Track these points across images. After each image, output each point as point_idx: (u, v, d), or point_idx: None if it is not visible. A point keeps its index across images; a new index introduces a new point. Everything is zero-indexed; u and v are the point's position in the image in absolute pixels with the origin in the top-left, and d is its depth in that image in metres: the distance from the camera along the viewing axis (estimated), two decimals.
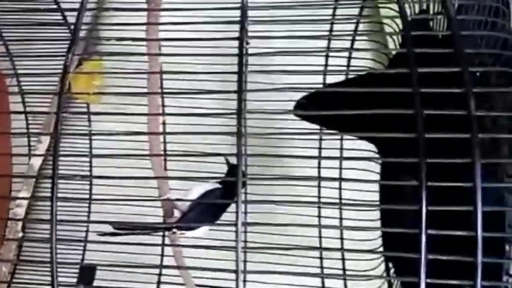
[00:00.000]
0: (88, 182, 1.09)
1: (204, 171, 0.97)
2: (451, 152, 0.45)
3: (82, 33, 1.06)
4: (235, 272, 0.46)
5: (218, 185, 0.79)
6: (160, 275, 1.05)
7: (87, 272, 0.96)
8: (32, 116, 1.17)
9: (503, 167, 0.52)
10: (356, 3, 0.89)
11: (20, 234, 0.91)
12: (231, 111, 0.50)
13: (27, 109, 1.15)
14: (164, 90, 0.99)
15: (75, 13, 0.54)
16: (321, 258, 0.95)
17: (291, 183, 0.87)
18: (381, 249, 0.80)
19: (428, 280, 0.43)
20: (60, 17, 0.94)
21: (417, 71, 0.47)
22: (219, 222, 0.79)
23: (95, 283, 0.94)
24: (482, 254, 0.43)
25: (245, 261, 0.89)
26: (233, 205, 0.47)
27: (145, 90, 0.77)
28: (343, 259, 0.94)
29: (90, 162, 1.12)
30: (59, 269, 0.50)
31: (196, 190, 0.80)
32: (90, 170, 1.10)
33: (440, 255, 0.44)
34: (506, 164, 0.51)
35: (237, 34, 0.52)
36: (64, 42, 0.56)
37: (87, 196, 1.07)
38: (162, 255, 1.04)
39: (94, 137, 1.15)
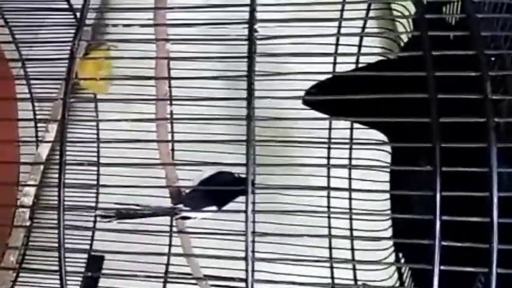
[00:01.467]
0: (95, 170, 1.09)
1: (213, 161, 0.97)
2: (467, 138, 0.44)
3: (88, 20, 1.06)
4: (245, 259, 0.46)
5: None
6: (167, 264, 1.05)
7: (95, 261, 0.96)
8: (39, 105, 1.17)
9: None
10: None
11: (28, 223, 0.91)
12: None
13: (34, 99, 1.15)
14: (172, 82, 0.99)
15: None
16: (330, 248, 0.94)
17: (301, 173, 0.86)
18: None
19: (442, 267, 0.42)
20: (65, 3, 0.94)
21: (432, 54, 0.46)
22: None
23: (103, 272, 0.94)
24: (498, 241, 0.42)
25: (253, 251, 0.88)
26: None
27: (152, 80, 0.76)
28: (352, 249, 0.93)
29: (98, 149, 1.11)
30: (66, 257, 0.49)
31: (207, 173, 0.79)
32: (97, 157, 1.10)
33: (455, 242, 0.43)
34: None
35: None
36: (70, 28, 0.56)
37: (94, 182, 1.07)
38: (170, 245, 1.04)
39: (100, 127, 1.14)
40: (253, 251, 0.87)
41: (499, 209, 0.42)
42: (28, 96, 1.15)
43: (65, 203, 0.49)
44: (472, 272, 0.44)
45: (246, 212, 0.46)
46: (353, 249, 0.93)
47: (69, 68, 0.51)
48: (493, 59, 0.53)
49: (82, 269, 0.96)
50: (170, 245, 1.03)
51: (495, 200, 0.42)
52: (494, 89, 0.49)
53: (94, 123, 1.14)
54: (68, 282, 0.51)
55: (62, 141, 0.50)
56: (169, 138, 0.93)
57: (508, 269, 0.45)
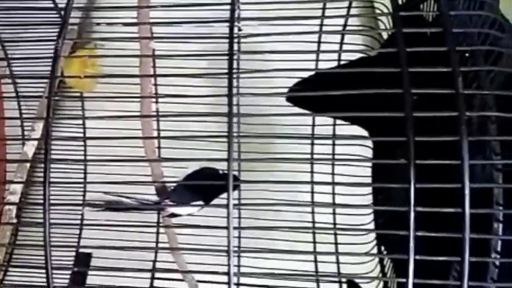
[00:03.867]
0: (82, 167, 1.10)
1: (199, 157, 0.98)
2: (442, 132, 0.45)
3: (73, 19, 1.07)
4: (227, 252, 0.47)
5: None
6: (155, 261, 1.06)
7: (82, 258, 0.97)
8: (26, 104, 1.17)
9: (491, 145, 0.52)
10: None
11: (14, 221, 0.91)
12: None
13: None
14: (158, 80, 1.00)
15: None
16: (314, 242, 0.96)
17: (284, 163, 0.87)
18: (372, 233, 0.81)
19: (417, 257, 0.44)
20: (50, 2, 0.94)
21: (406, 50, 0.47)
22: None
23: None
24: (470, 231, 0.44)
25: (239, 237, 0.89)
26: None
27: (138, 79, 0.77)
28: (336, 243, 0.95)
29: (84, 146, 1.12)
30: (53, 253, 0.50)
31: (192, 169, 0.80)
32: (84, 155, 1.11)
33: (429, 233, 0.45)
34: (494, 142, 0.52)
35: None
36: (55, 27, 0.56)
37: (81, 180, 1.08)
38: (157, 242, 1.05)
39: (88, 125, 1.15)
40: (238, 246, 0.88)
41: (471, 200, 0.44)
42: (14, 94, 1.15)
43: (52, 200, 0.50)
44: (446, 261, 0.46)
45: (227, 206, 0.47)
46: (336, 243, 0.95)
47: (53, 67, 0.52)
48: (467, 55, 0.55)
49: (70, 266, 0.97)
50: (157, 242, 1.04)
51: (467, 191, 0.44)
52: (468, 85, 0.51)
53: (81, 122, 1.14)
54: (56, 280, 0.52)
55: (47, 139, 0.51)
56: (155, 135, 0.94)
57: (480, 257, 0.47)
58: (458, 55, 0.46)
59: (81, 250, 1.04)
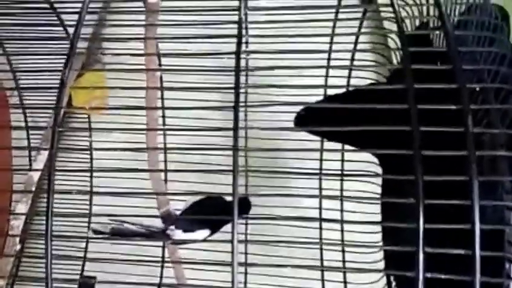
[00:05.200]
0: (88, 197, 1.09)
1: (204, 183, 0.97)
2: (451, 171, 0.44)
3: (81, 46, 1.08)
4: (231, 265, 0.46)
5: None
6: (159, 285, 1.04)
7: (86, 285, 0.95)
8: (34, 133, 1.17)
9: (502, 184, 0.51)
10: (357, 16, 0.88)
11: (18, 247, 0.90)
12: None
13: (30, 124, 1.15)
14: (165, 106, 1.00)
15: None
16: (321, 253, 0.94)
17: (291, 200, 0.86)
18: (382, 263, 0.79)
19: None
20: (62, 31, 0.95)
21: (414, 87, 0.47)
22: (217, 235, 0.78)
23: None
24: (481, 273, 0.42)
25: (245, 273, 0.88)
26: None
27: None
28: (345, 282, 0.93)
29: (91, 178, 1.11)
30: (57, 284, 0.49)
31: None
32: (90, 186, 1.10)
33: (439, 274, 0.43)
34: (505, 181, 0.51)
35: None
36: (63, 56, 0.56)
37: (86, 211, 1.07)
38: (162, 267, 1.03)
39: (94, 152, 1.15)
40: (244, 282, 0.87)
41: (482, 240, 0.43)
42: (23, 124, 1.15)
43: (57, 229, 0.49)
44: None
45: (232, 242, 0.46)
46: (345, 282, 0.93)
47: (58, 97, 0.52)
48: (477, 89, 0.54)
49: None
50: (161, 277, 1.03)
51: (477, 232, 0.42)
52: (478, 122, 0.50)
53: (89, 152, 1.14)
54: None
55: (50, 170, 0.50)
56: (162, 166, 0.94)
57: None
58: (468, 92, 0.46)
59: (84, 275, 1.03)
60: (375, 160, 0.81)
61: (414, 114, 0.45)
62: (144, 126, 0.74)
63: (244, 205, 0.77)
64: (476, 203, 0.42)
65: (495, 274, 0.48)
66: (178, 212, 0.81)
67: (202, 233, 0.78)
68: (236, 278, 0.46)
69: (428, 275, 0.42)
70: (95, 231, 0.81)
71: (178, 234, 0.80)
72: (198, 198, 0.79)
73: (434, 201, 0.44)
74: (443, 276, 0.43)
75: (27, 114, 1.15)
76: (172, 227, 0.79)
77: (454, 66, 0.47)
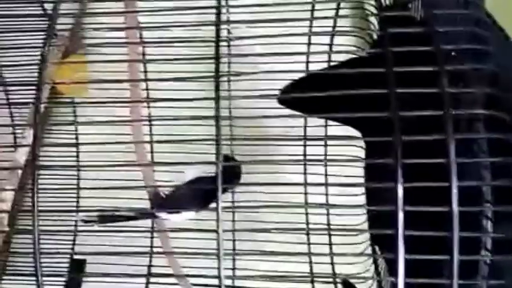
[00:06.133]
0: (76, 174, 1.09)
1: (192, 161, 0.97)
2: (430, 132, 0.45)
3: (63, 25, 1.07)
4: (217, 255, 0.47)
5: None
6: (149, 266, 1.06)
7: (76, 265, 0.97)
8: (18, 111, 1.17)
9: (478, 144, 0.52)
10: None
11: (6, 229, 0.90)
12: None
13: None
14: (149, 84, 1.00)
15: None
16: (308, 243, 0.96)
17: (277, 170, 0.87)
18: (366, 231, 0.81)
19: (407, 256, 0.44)
20: (39, 8, 0.94)
21: (391, 50, 0.47)
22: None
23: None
24: (459, 230, 0.44)
25: (233, 240, 0.89)
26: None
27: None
28: (330, 244, 0.95)
29: (77, 152, 1.11)
30: (46, 261, 0.50)
31: (190, 173, 0.80)
32: (77, 161, 1.10)
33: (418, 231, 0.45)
34: (482, 140, 0.52)
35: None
36: (43, 33, 0.56)
37: (75, 186, 1.07)
38: (151, 246, 1.05)
39: (80, 133, 1.15)
40: (233, 249, 0.88)
41: (460, 199, 0.44)
42: (5, 101, 1.15)
43: (46, 207, 0.49)
44: (435, 260, 0.46)
45: (217, 209, 0.47)
46: (330, 244, 0.95)
47: (40, 74, 0.52)
48: (453, 53, 0.55)
49: (64, 273, 0.96)
50: (152, 246, 1.04)
51: (454, 190, 0.44)
52: (455, 83, 0.51)
53: (73, 128, 1.14)
54: (49, 287, 0.52)
55: (35, 145, 0.51)
56: (146, 139, 0.94)
57: (470, 256, 0.47)
58: (443, 54, 0.47)
59: (75, 257, 1.04)
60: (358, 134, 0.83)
61: (392, 76, 0.46)
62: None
63: (234, 174, 0.78)
64: (453, 160, 0.43)
65: (472, 230, 0.49)
66: (165, 190, 0.82)
67: (188, 215, 0.80)
68: (222, 245, 0.47)
69: (408, 233, 0.44)
70: (84, 221, 0.82)
71: (164, 215, 0.82)
72: (186, 178, 0.79)
73: (411, 160, 0.45)
74: (421, 233, 0.45)
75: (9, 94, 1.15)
76: (160, 208, 0.81)
77: (430, 29, 0.48)
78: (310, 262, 0.96)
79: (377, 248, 0.88)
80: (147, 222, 0.97)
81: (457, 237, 0.44)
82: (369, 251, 0.87)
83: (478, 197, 0.52)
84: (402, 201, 0.44)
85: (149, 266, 1.06)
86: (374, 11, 0.78)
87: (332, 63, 0.93)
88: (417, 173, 0.46)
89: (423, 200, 0.45)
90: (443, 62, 0.46)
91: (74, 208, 1.06)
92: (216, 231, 0.47)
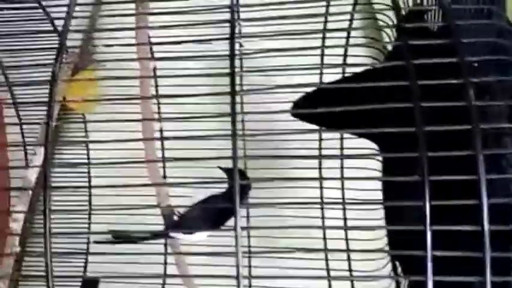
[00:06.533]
0: (87, 193, 1.07)
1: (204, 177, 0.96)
2: (455, 147, 0.43)
3: (74, 41, 1.06)
4: (236, 278, 0.45)
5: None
6: (163, 284, 1.04)
7: (89, 285, 0.95)
8: (29, 128, 1.16)
9: (506, 158, 0.50)
10: None
11: (18, 249, 0.89)
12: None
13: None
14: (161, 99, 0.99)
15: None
16: (326, 260, 0.93)
17: (292, 185, 0.85)
18: (387, 248, 0.78)
19: (436, 278, 0.42)
20: (50, 26, 0.94)
21: (413, 63, 0.46)
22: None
23: None
24: (490, 249, 0.41)
25: (249, 267, 0.87)
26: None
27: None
28: (349, 259, 0.92)
29: (88, 170, 1.10)
30: (59, 283, 0.48)
31: (201, 192, 0.79)
32: (89, 180, 1.08)
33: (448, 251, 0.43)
34: (510, 154, 0.50)
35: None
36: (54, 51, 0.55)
37: (86, 206, 1.05)
38: (165, 264, 1.03)
39: (92, 148, 1.13)
40: (249, 266, 0.85)
41: (490, 216, 0.42)
42: (17, 120, 1.14)
43: (57, 228, 0.48)
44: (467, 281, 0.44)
45: (235, 229, 0.45)
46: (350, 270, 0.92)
47: (51, 92, 0.51)
48: (475, 64, 0.53)
49: None
50: (165, 263, 1.02)
51: (485, 208, 0.42)
52: (479, 96, 0.49)
53: (85, 145, 1.13)
54: None
55: (46, 165, 0.49)
56: (159, 154, 0.93)
57: (502, 276, 0.45)
58: (468, 65, 0.45)
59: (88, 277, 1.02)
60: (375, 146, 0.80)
61: (416, 90, 0.44)
62: (139, 117, 0.73)
63: (245, 189, 0.77)
64: (483, 177, 0.41)
65: (504, 249, 0.47)
66: (180, 210, 0.81)
67: (202, 235, 0.78)
68: (241, 266, 0.45)
69: (437, 253, 0.42)
70: (96, 242, 0.81)
71: (178, 236, 0.80)
72: (198, 199, 0.78)
73: (439, 177, 0.43)
74: (451, 254, 0.43)
75: (20, 113, 1.14)
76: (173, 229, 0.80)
77: (453, 40, 0.46)
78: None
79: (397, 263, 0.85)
80: (161, 241, 0.95)
81: (489, 258, 0.41)
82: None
83: (506, 213, 0.50)
84: (429, 220, 0.42)
85: (163, 284, 1.04)
86: (389, 21, 0.76)
87: (346, 74, 0.91)
88: (439, 187, 0.44)
89: (446, 213, 0.43)
90: (468, 74, 0.44)
91: (86, 228, 1.04)
92: (235, 253, 0.45)
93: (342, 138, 0.97)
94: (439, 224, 0.42)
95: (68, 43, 0.74)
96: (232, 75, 0.50)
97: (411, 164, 0.47)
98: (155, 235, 0.81)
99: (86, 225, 1.05)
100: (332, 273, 0.93)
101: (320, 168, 0.94)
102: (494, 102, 0.49)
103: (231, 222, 0.74)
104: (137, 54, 0.71)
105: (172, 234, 0.78)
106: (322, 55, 0.90)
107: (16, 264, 0.98)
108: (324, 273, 0.92)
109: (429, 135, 0.45)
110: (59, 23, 0.97)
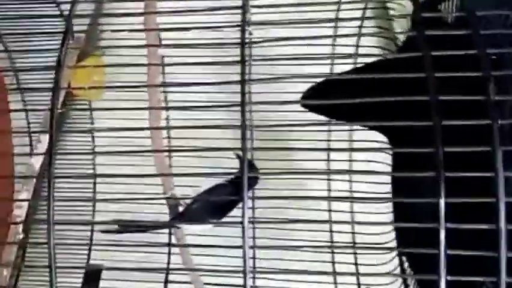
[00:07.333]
0: (92, 181, 1.06)
1: (211, 167, 0.95)
2: (471, 143, 0.42)
3: (80, 26, 1.05)
4: (243, 272, 0.44)
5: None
6: (167, 273, 1.03)
7: (92, 274, 0.94)
8: (35, 115, 1.15)
9: None
10: None
11: (21, 236, 0.88)
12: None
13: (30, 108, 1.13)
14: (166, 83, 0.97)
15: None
16: (332, 252, 0.92)
17: (300, 177, 0.83)
18: (395, 243, 0.77)
19: (449, 278, 0.40)
20: (56, 9, 0.92)
21: (431, 54, 0.44)
22: (224, 220, 0.76)
23: (102, 283, 0.92)
24: (507, 248, 0.40)
25: (254, 258, 0.86)
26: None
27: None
28: (355, 253, 0.91)
29: (93, 160, 1.09)
30: (63, 271, 0.48)
31: (207, 181, 0.78)
32: (93, 169, 1.07)
33: (461, 250, 0.41)
34: None
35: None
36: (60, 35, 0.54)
37: (91, 195, 1.04)
38: (169, 254, 1.02)
39: (97, 136, 1.12)
40: (253, 258, 0.84)
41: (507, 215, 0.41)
42: (22, 106, 1.13)
43: (61, 216, 0.47)
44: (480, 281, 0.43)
45: (242, 223, 0.44)
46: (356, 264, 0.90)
47: (56, 78, 0.49)
48: (493, 57, 0.51)
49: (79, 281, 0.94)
50: (169, 253, 1.01)
51: (502, 206, 0.40)
52: (498, 91, 0.47)
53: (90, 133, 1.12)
54: None
55: (50, 152, 0.48)
56: (165, 144, 0.91)
57: None
58: (488, 58, 0.43)
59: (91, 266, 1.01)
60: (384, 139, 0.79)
61: (432, 82, 0.43)
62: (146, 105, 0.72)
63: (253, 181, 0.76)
64: (501, 174, 0.40)
65: None
66: (186, 200, 0.80)
67: (207, 226, 0.77)
68: (247, 259, 0.44)
69: (450, 252, 0.40)
70: (102, 231, 0.80)
71: (184, 226, 0.80)
72: (205, 188, 0.77)
73: (455, 174, 0.41)
74: (466, 253, 0.41)
75: (26, 98, 1.13)
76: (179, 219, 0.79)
77: (473, 30, 0.44)
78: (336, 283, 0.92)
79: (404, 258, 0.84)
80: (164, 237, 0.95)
81: (505, 258, 0.40)
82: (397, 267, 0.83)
83: None
84: (444, 218, 0.40)
85: (167, 273, 1.03)
86: (403, 11, 0.74)
87: (357, 65, 0.89)
88: (453, 182, 0.42)
89: (465, 217, 0.42)
90: (489, 67, 0.42)
91: (90, 217, 1.03)
92: (241, 247, 0.44)
93: (351, 130, 0.95)
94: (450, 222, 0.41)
95: (75, 28, 0.73)
96: (242, 63, 0.49)
97: (423, 159, 0.46)
98: (160, 225, 0.80)
99: (91, 214, 1.04)
100: (337, 267, 0.92)
101: (328, 160, 0.93)
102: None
103: (236, 211, 0.73)
104: (145, 40, 0.69)
105: (177, 225, 0.77)
106: (333, 45, 0.88)
107: (19, 251, 0.97)
108: (329, 265, 0.91)
109: (443, 130, 0.44)
110: (65, 7, 0.96)
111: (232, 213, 0.75)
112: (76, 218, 0.90)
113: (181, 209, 0.79)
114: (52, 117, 0.49)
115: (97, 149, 1.08)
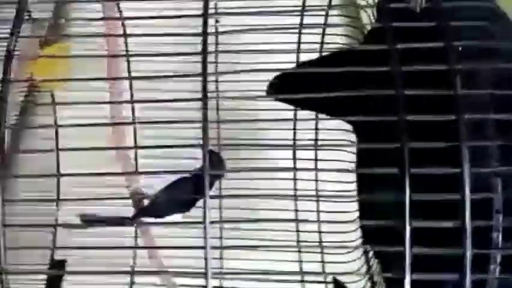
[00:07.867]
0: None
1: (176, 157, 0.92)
2: (437, 139, 0.41)
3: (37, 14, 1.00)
4: (205, 273, 0.43)
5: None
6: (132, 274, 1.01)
7: (56, 266, 0.92)
8: None
9: (489, 150, 0.48)
10: None
11: None
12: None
13: None
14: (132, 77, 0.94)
15: None
16: (299, 251, 0.91)
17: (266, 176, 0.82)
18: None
19: (414, 277, 0.40)
20: None
21: (397, 48, 0.43)
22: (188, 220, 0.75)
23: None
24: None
25: (221, 259, 0.84)
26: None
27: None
28: (322, 253, 0.90)
29: (57, 153, 1.04)
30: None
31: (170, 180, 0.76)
32: (58, 165, 1.02)
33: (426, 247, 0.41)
34: (493, 146, 0.47)
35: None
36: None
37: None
38: (136, 247, 1.00)
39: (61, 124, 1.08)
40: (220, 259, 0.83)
41: (472, 211, 0.40)
42: None
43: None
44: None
45: (204, 223, 0.43)
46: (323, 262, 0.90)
47: (5, 68, 0.47)
48: (460, 49, 0.51)
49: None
50: (135, 247, 0.99)
51: (467, 202, 0.39)
52: (463, 82, 0.47)
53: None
54: None
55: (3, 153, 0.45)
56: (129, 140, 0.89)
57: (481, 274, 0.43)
58: (455, 51, 0.42)
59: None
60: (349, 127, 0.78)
61: (399, 75, 0.42)
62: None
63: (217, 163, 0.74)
64: (467, 170, 0.39)
65: (483, 245, 0.45)
66: (150, 192, 0.78)
67: (173, 218, 0.76)
68: (210, 261, 0.43)
69: (416, 250, 0.40)
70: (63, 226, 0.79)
71: (148, 220, 0.79)
72: (168, 182, 0.76)
73: (420, 170, 0.40)
74: (430, 252, 0.41)
75: None
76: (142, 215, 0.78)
77: (440, 22, 0.43)
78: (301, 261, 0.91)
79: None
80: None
81: (469, 255, 0.39)
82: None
83: (486, 206, 0.48)
84: (409, 216, 0.40)
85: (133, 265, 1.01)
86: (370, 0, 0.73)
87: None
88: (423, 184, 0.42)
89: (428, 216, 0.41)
90: (455, 60, 0.41)
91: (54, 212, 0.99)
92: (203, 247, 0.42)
93: (317, 129, 0.94)
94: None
95: (34, 15, 0.70)
96: (204, 54, 0.47)
97: (388, 153, 0.45)
98: (125, 219, 0.79)
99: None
100: (305, 266, 0.92)
101: (294, 159, 0.91)
102: (478, 90, 0.47)
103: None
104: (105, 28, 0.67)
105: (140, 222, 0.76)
106: (299, 34, 0.87)
107: None
108: (296, 265, 0.90)
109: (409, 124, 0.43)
110: None
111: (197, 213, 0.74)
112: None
113: (146, 203, 0.78)
114: (1, 110, 0.46)
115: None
